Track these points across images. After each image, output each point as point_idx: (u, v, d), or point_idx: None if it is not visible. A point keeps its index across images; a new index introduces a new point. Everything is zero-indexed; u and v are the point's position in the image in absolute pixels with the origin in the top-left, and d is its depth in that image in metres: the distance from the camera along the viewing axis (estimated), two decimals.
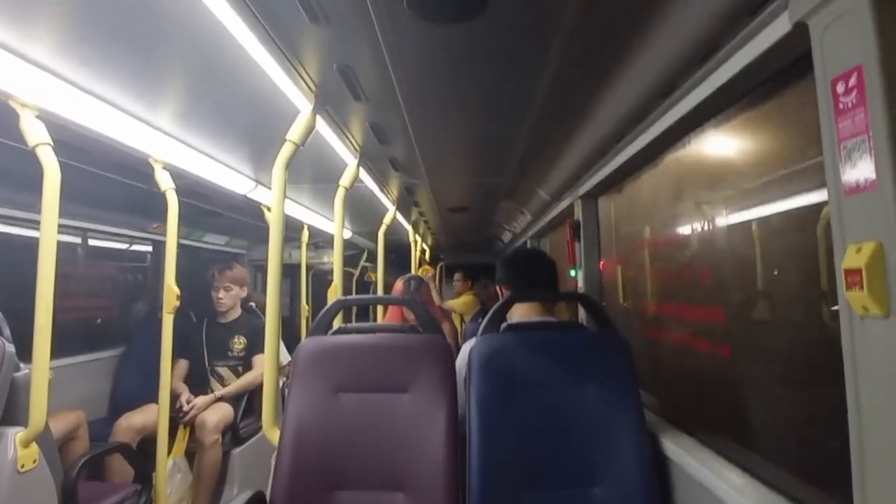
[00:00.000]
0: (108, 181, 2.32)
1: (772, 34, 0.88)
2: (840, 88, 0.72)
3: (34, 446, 1.53)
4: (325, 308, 1.65)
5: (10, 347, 1.60)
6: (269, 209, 3.08)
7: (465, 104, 1.61)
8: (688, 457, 1.27)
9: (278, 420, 1.55)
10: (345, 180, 2.15)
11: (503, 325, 1.57)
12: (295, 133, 1.60)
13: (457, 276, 5.19)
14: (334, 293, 2.09)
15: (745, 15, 0.90)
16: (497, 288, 1.83)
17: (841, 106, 0.71)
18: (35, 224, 2.52)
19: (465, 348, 1.58)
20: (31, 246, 2.62)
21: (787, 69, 0.97)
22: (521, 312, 1.68)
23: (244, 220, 3.53)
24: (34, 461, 1.53)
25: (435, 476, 1.35)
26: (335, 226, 2.19)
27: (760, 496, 1.03)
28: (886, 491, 0.66)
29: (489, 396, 1.42)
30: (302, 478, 1.37)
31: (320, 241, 4.71)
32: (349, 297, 1.86)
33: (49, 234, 1.53)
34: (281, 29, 1.17)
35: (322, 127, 1.75)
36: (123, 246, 3.50)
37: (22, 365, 1.62)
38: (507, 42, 1.20)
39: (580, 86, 1.41)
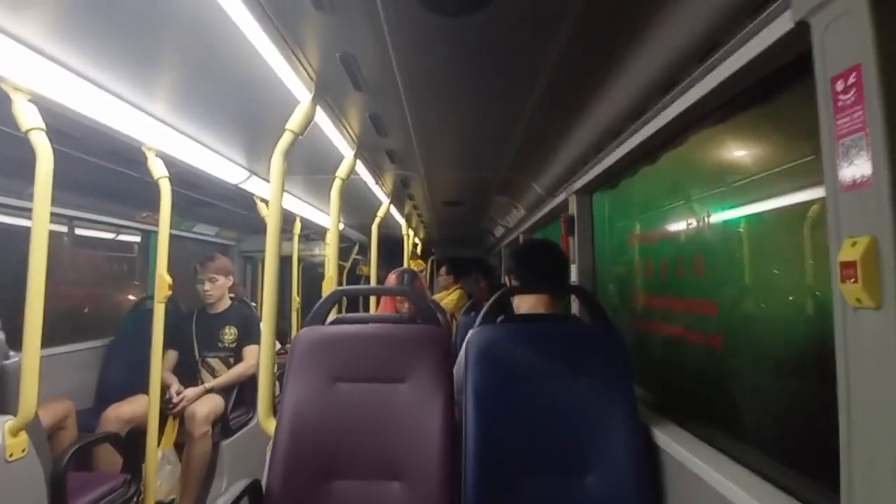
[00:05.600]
0: (97, 168, 2.28)
1: (773, 32, 0.90)
2: (839, 87, 0.74)
3: (23, 435, 1.51)
4: (323, 298, 1.65)
5: (0, 335, 1.58)
6: (262, 200, 3.06)
7: (465, 97, 1.62)
8: (678, 446, 1.30)
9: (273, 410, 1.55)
10: (341, 171, 2.14)
11: (500, 317, 1.58)
12: (294, 122, 1.59)
13: (441, 270, 5.16)
14: (329, 285, 2.09)
15: (747, 14, 0.92)
16: (507, 278, 1.83)
17: (840, 104, 0.73)
18: (19, 211, 2.49)
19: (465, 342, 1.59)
20: (16, 233, 2.61)
21: (787, 67, 0.99)
22: (528, 304, 1.69)
23: (235, 210, 3.50)
24: (23, 450, 1.51)
25: (431, 465, 1.36)
26: (331, 218, 2.18)
27: (749, 484, 1.06)
28: (874, 479, 0.69)
29: (485, 386, 1.43)
30: (298, 467, 1.37)
31: (311, 233, 4.69)
32: (347, 286, 1.86)
33: (41, 221, 1.51)
34: (285, 16, 1.17)
35: (320, 117, 1.74)
36: (111, 235, 3.45)
37: (11, 353, 1.60)
38: (510, 35, 1.20)
39: (580, 81, 1.42)
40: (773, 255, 1.22)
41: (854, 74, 0.71)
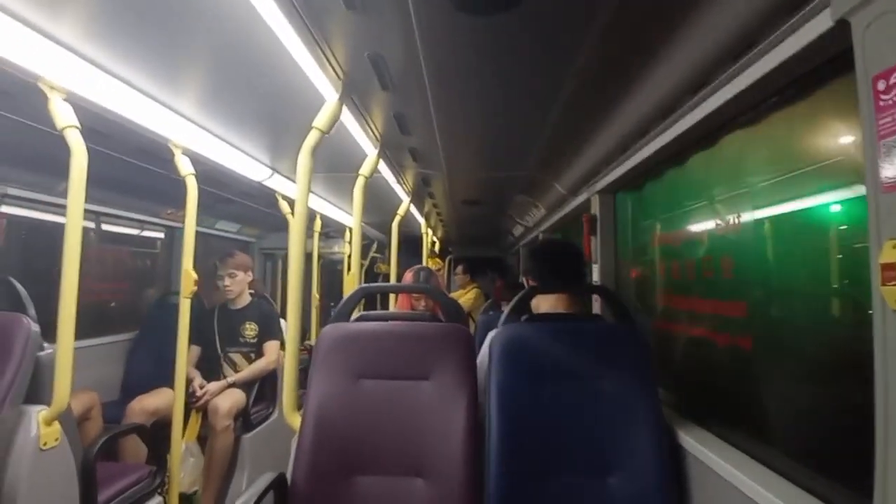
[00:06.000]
0: (124, 165, 2.33)
1: (811, 31, 0.89)
2: (881, 86, 0.72)
3: (56, 425, 1.56)
4: (348, 295, 1.66)
5: (36, 327, 1.63)
6: (284, 197, 3.09)
7: (492, 97, 1.61)
8: (703, 448, 1.29)
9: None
10: (364, 170, 2.15)
11: (524, 316, 1.58)
12: (321, 121, 1.60)
13: (458, 269, 5.16)
14: (352, 282, 2.11)
15: (785, 12, 0.90)
16: (523, 278, 1.84)
17: (881, 103, 0.72)
18: (50, 206, 2.55)
19: (487, 340, 1.59)
20: (48, 228, 2.67)
21: (825, 66, 0.97)
22: (547, 304, 1.68)
23: (257, 207, 3.54)
24: (56, 439, 1.56)
25: (455, 463, 1.36)
26: (353, 216, 2.20)
27: (777, 487, 1.05)
28: None
29: (509, 385, 1.43)
30: (323, 461, 1.39)
31: (331, 231, 4.72)
32: (371, 284, 1.87)
33: (75, 216, 1.54)
34: (315, 14, 1.17)
35: (344, 115, 1.75)
36: (135, 231, 3.51)
37: (45, 345, 1.65)
38: (540, 35, 1.20)
39: (608, 81, 1.41)
40: (805, 256, 1.21)
41: None
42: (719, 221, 1.50)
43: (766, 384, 1.30)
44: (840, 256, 1.04)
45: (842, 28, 0.80)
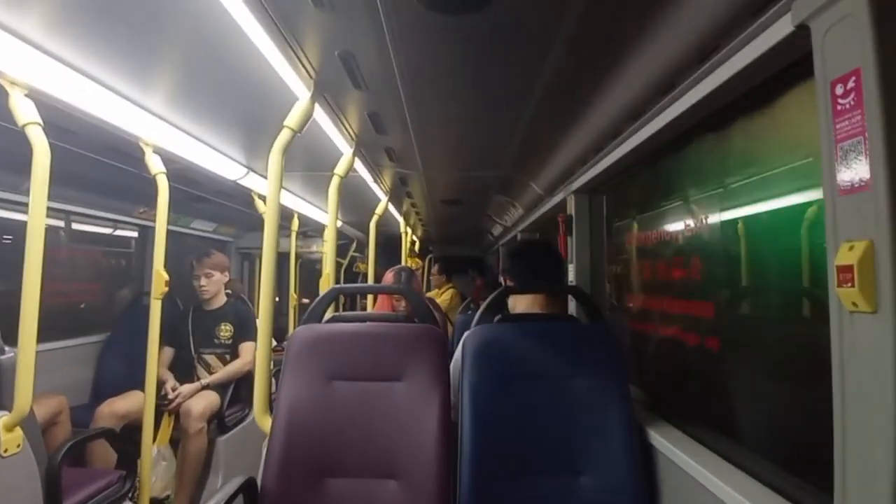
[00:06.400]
0: (93, 163, 2.28)
1: (773, 35, 0.90)
2: (839, 90, 0.74)
3: (18, 430, 1.51)
4: (320, 296, 1.65)
5: None
6: (259, 196, 3.06)
7: (465, 96, 1.61)
8: (673, 447, 1.30)
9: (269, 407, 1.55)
10: (340, 169, 2.14)
11: (497, 317, 1.58)
12: (293, 119, 1.59)
13: (434, 269, 5.05)
14: (326, 283, 2.09)
15: (748, 15, 0.92)
16: (501, 278, 1.84)
17: (839, 107, 0.73)
18: (15, 205, 2.48)
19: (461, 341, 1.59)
20: (10, 228, 2.59)
21: (786, 71, 0.99)
22: (523, 304, 1.69)
23: (233, 206, 3.49)
24: (18, 445, 1.51)
25: (427, 464, 1.36)
26: (329, 215, 2.18)
27: (743, 485, 1.06)
28: (867, 483, 0.69)
29: (482, 385, 1.43)
30: (294, 464, 1.37)
31: (309, 230, 4.68)
32: (345, 285, 1.86)
33: (38, 215, 1.50)
34: (284, 13, 1.16)
35: (318, 114, 1.73)
36: (108, 230, 3.44)
37: (6, 349, 1.60)
38: (510, 36, 1.20)
39: (580, 82, 1.42)
40: (768, 257, 1.23)
41: (853, 78, 0.71)
42: (689, 222, 1.52)
43: (734, 383, 1.32)
44: (803, 257, 1.06)
45: (803, 33, 0.81)
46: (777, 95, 1.09)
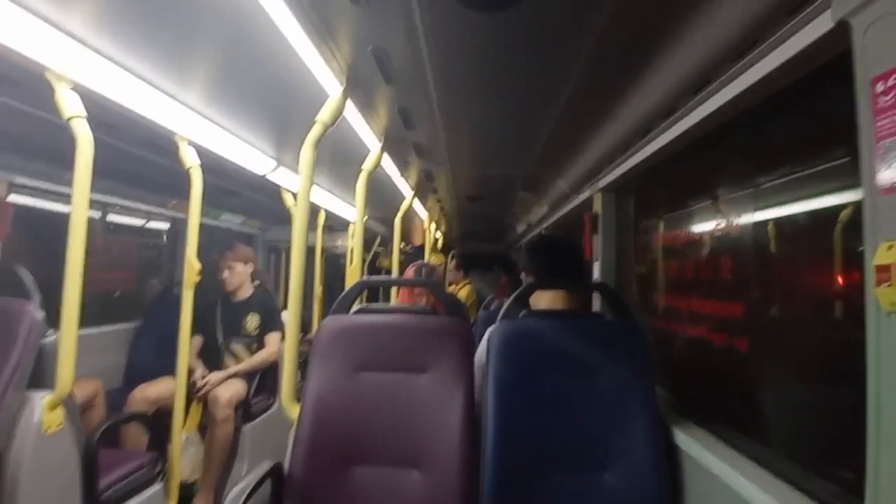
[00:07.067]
0: (129, 156, 2.34)
1: (812, 32, 0.89)
2: (879, 88, 0.72)
3: (59, 410, 1.58)
4: (349, 288, 1.68)
5: (41, 314, 1.65)
6: (288, 190, 3.11)
7: (496, 93, 1.62)
8: (699, 447, 1.29)
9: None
10: (368, 164, 2.16)
11: (522, 312, 1.58)
12: (324, 114, 1.61)
13: (451, 265, 4.90)
14: (353, 275, 2.12)
15: (786, 13, 0.90)
16: (522, 275, 1.84)
17: (880, 105, 0.72)
18: (56, 195, 2.57)
19: (486, 335, 1.59)
20: (50, 218, 2.69)
21: (824, 68, 0.97)
22: (545, 301, 1.68)
23: (261, 200, 3.55)
24: (59, 424, 1.57)
25: (451, 455, 1.38)
26: (356, 210, 2.21)
27: (772, 487, 1.05)
28: None
29: (507, 379, 1.44)
30: (320, 452, 1.40)
31: (334, 225, 4.74)
32: (371, 277, 1.89)
33: (81, 204, 1.56)
34: (319, 8, 1.18)
35: (348, 109, 1.76)
36: (142, 221, 3.54)
37: (49, 332, 1.67)
38: (543, 32, 1.20)
39: (611, 79, 1.42)
40: (802, 257, 1.21)
41: (895, 76, 0.70)
42: (720, 222, 1.50)
43: (764, 384, 1.30)
44: (837, 258, 1.04)
45: (842, 30, 0.80)
46: (813, 93, 1.07)
